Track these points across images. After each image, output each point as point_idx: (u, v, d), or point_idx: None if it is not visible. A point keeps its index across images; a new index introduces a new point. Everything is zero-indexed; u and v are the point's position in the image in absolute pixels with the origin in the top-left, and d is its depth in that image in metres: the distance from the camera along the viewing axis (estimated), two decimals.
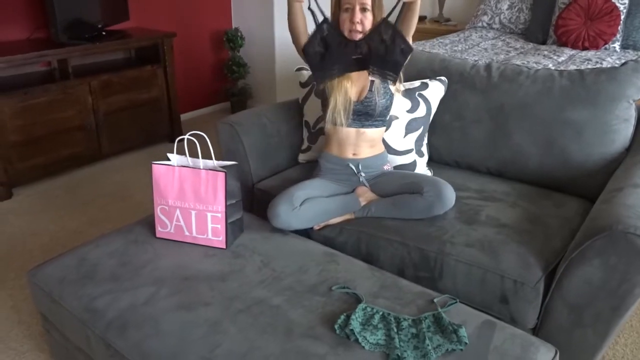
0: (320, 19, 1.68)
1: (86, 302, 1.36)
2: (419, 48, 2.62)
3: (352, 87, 1.76)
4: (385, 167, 1.87)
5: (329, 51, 1.70)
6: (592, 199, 1.69)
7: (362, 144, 1.81)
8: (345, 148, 1.81)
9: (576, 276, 1.37)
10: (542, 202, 1.80)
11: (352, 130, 1.79)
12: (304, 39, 1.75)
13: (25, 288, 2.13)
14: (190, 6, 4.03)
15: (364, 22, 1.68)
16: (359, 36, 1.69)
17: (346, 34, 1.71)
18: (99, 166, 3.34)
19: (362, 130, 1.79)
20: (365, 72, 1.76)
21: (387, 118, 1.84)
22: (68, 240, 2.48)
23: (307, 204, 1.71)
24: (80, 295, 1.38)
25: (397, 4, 1.67)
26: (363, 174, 1.82)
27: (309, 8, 1.67)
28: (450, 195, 1.68)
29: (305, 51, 1.72)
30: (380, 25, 1.66)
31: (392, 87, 1.79)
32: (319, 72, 1.72)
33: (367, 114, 1.76)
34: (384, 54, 1.66)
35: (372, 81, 1.76)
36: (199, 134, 1.59)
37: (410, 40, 1.70)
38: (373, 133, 1.81)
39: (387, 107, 1.80)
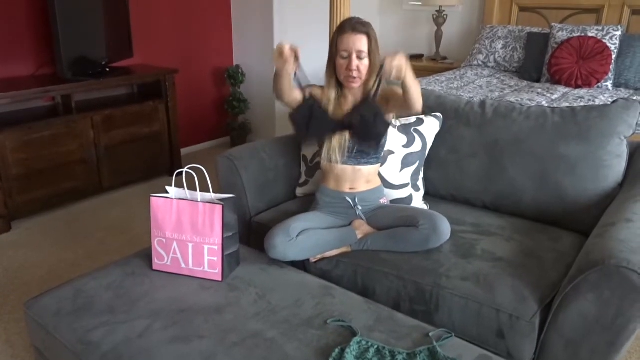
0: (305, 82, 1.76)
1: (81, 335, 1.35)
2: None
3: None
4: (382, 201, 1.89)
5: (314, 120, 1.74)
6: (587, 234, 1.70)
7: (359, 180, 1.83)
8: (342, 183, 1.84)
9: (571, 310, 1.37)
10: (537, 237, 1.81)
11: (348, 168, 1.82)
12: (288, 94, 1.78)
13: (21, 321, 2.11)
14: (193, 43, 4.14)
15: (361, 68, 1.73)
16: (356, 82, 1.75)
17: (342, 79, 1.77)
18: (99, 199, 3.36)
19: (358, 167, 1.82)
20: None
21: (382, 154, 1.88)
22: (65, 272, 2.48)
23: (303, 236, 1.73)
24: (76, 328, 1.38)
25: (376, 82, 1.69)
26: (360, 208, 1.84)
27: (295, 74, 1.73)
28: (445, 228, 1.70)
29: (291, 118, 1.77)
30: (364, 102, 1.71)
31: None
32: (305, 135, 1.78)
33: (363, 151, 1.80)
34: (366, 127, 1.69)
35: None
36: (198, 168, 1.62)
37: (419, 110, 1.71)
38: (369, 169, 1.84)
39: (382, 145, 1.84)
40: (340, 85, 1.82)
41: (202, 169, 1.63)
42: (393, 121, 1.86)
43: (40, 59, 3.25)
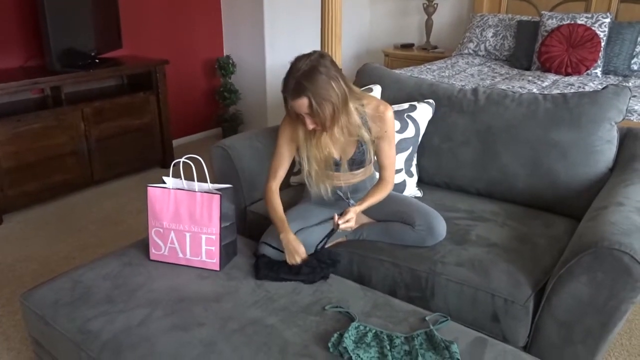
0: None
1: (80, 325, 1.36)
2: (407, 73, 2.68)
3: (332, 151, 1.72)
4: None
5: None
6: (579, 218, 1.73)
7: (352, 178, 1.81)
8: (335, 183, 1.80)
9: (565, 293, 1.40)
10: (531, 222, 1.83)
11: (341, 174, 1.78)
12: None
13: (15, 314, 2.11)
14: (183, 34, 4.10)
15: (318, 122, 1.57)
16: (323, 130, 1.62)
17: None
18: (91, 192, 3.34)
19: (351, 173, 1.79)
20: (347, 132, 1.67)
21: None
22: (59, 265, 2.47)
23: (297, 236, 1.69)
24: (74, 318, 1.38)
25: (325, 238, 1.66)
26: (352, 202, 1.84)
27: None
28: (441, 229, 1.69)
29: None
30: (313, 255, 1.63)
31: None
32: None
33: (356, 164, 1.77)
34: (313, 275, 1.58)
35: (359, 142, 1.72)
36: (195, 158, 1.62)
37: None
38: (362, 170, 1.82)
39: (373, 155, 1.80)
40: None
41: (199, 159, 1.63)
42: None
43: (29, 51, 3.21)
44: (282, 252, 1.65)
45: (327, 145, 1.71)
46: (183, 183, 1.63)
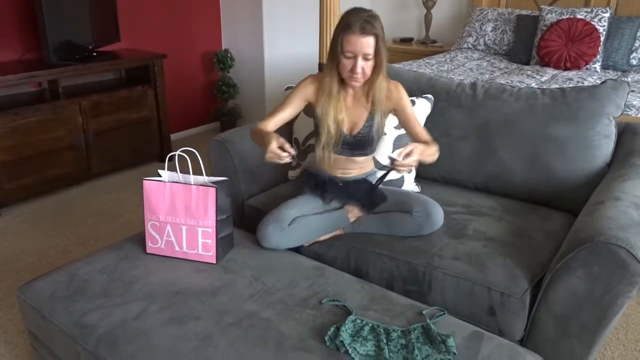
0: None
1: (77, 318, 1.36)
2: (405, 68, 2.68)
3: (345, 120, 1.76)
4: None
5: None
6: (576, 213, 1.73)
7: (351, 167, 1.83)
8: (334, 169, 1.83)
9: (561, 287, 1.40)
10: (528, 216, 1.83)
11: (341, 157, 1.81)
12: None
13: (13, 307, 2.11)
14: (181, 28, 4.09)
15: (366, 70, 1.64)
16: (359, 82, 1.68)
17: (344, 76, 1.68)
18: (89, 186, 3.33)
19: (352, 158, 1.81)
20: (360, 105, 1.76)
21: (376, 148, 1.88)
22: (56, 259, 2.47)
23: (296, 224, 1.72)
24: (71, 311, 1.38)
25: (384, 175, 1.70)
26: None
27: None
28: (439, 216, 1.70)
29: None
30: (366, 191, 1.73)
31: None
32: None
33: (359, 146, 1.79)
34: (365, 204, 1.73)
35: (370, 116, 1.76)
36: (190, 151, 1.62)
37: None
38: (363, 158, 1.83)
39: (377, 141, 1.84)
40: (341, 80, 1.72)
41: (194, 152, 1.63)
42: (385, 129, 1.87)
43: (26, 44, 3.20)
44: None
45: (342, 110, 1.74)
46: (179, 176, 1.63)
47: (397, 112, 1.78)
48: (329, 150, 1.77)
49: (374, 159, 1.93)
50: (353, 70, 1.63)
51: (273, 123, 1.78)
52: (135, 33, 3.77)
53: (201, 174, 1.63)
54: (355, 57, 1.61)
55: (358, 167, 1.84)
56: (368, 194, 1.72)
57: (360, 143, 1.78)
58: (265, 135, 1.64)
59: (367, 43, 1.59)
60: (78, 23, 3.22)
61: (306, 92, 1.77)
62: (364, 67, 1.63)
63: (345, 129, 1.77)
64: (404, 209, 1.72)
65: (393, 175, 1.96)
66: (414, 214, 1.69)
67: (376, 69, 1.66)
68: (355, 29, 1.58)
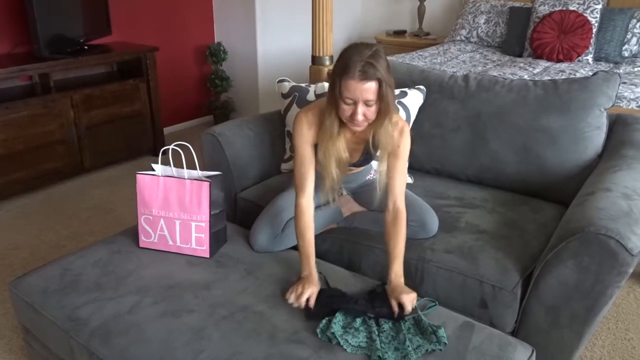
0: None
1: (69, 312, 1.36)
2: (398, 60, 2.68)
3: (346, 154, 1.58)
4: (370, 177, 1.88)
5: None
6: (568, 204, 1.73)
7: (347, 170, 1.75)
8: None
9: (552, 278, 1.41)
10: (520, 208, 1.84)
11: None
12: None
13: (6, 302, 2.10)
14: (173, 21, 4.06)
15: (368, 115, 1.44)
16: (361, 127, 1.48)
17: (344, 119, 1.48)
18: (81, 180, 3.32)
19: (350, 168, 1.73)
20: (362, 140, 1.62)
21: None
22: (49, 254, 2.46)
23: (289, 229, 1.67)
24: (64, 305, 1.38)
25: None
26: (344, 192, 1.84)
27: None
28: (433, 225, 1.68)
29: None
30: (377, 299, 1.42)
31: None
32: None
33: (357, 166, 1.73)
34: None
35: (369, 149, 1.62)
36: (184, 145, 1.61)
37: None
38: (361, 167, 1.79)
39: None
40: (341, 121, 1.52)
41: (188, 146, 1.63)
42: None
43: (16, 37, 3.16)
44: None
45: (344, 150, 1.56)
46: (172, 170, 1.63)
47: (389, 155, 1.57)
48: (333, 194, 1.62)
49: None
50: (353, 116, 1.43)
51: (309, 193, 1.58)
52: (127, 26, 3.74)
53: (195, 168, 1.63)
54: (355, 104, 1.41)
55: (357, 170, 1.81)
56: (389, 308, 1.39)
57: (357, 164, 1.73)
58: (308, 262, 1.49)
59: (369, 89, 1.38)
60: (69, 16, 3.19)
61: (310, 139, 1.58)
62: (365, 112, 1.42)
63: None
64: None
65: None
66: (409, 224, 1.60)
67: (381, 113, 1.45)
68: (354, 74, 1.36)
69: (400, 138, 1.54)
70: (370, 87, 1.38)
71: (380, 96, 1.40)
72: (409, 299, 1.35)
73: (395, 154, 1.55)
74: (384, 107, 1.43)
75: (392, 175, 1.56)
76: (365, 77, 1.36)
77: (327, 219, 1.78)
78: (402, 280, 1.46)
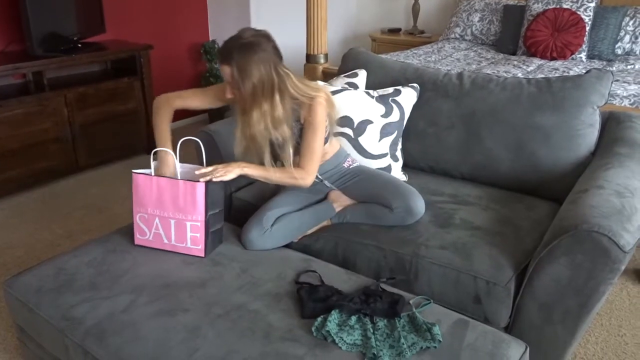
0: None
1: (64, 311, 1.35)
2: (392, 58, 2.68)
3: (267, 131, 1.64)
4: (347, 164, 1.86)
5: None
6: (561, 202, 1.75)
7: None
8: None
9: (545, 275, 1.42)
10: (514, 205, 1.85)
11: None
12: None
13: (0, 301, 2.10)
14: (168, 19, 4.05)
15: (235, 93, 1.60)
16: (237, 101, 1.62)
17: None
18: (76, 179, 3.31)
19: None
20: (262, 124, 1.62)
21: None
22: (44, 252, 2.46)
23: (279, 224, 1.69)
24: (58, 304, 1.38)
25: None
26: (327, 183, 1.84)
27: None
28: (419, 207, 1.70)
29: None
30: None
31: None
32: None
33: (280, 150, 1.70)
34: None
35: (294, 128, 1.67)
36: (194, 140, 1.62)
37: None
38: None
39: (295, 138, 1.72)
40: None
41: (197, 141, 1.63)
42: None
43: (9, 35, 3.15)
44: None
45: (255, 124, 1.60)
46: (178, 167, 1.63)
47: (303, 126, 1.67)
48: (252, 156, 1.67)
49: (360, 147, 1.94)
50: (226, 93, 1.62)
51: (179, 101, 1.83)
52: (121, 24, 3.73)
53: (203, 164, 1.64)
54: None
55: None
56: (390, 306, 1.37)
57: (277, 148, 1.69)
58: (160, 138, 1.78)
59: (224, 70, 1.56)
60: (62, 14, 3.18)
61: (221, 92, 1.70)
62: (234, 92, 1.59)
63: (274, 136, 1.65)
64: (384, 204, 1.72)
65: (380, 164, 1.97)
66: (394, 210, 1.68)
67: (248, 99, 1.56)
68: (218, 54, 1.59)
69: (310, 112, 1.63)
70: (225, 69, 1.55)
71: (233, 81, 1.55)
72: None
73: (306, 124, 1.65)
74: (240, 95, 1.56)
75: (302, 142, 1.66)
76: (223, 60, 1.55)
77: (319, 216, 1.79)
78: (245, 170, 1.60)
